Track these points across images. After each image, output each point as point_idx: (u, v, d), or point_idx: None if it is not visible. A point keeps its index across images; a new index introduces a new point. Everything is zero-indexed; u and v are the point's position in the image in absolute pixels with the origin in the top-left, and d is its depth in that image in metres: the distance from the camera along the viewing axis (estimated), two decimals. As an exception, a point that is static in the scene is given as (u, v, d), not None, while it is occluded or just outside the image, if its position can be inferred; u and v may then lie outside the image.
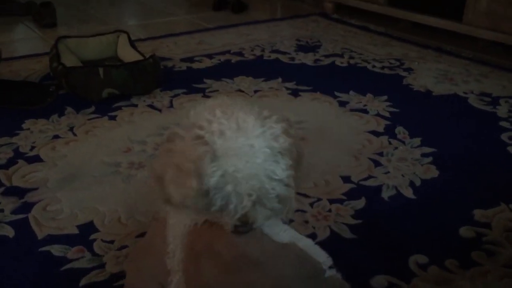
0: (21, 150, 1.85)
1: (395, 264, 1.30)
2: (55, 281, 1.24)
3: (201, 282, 0.92)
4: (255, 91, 2.46)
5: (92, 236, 1.39)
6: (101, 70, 2.21)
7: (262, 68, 2.77)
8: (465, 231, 1.44)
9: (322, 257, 0.99)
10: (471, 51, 2.99)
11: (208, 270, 0.91)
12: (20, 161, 1.77)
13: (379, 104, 2.31)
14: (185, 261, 0.95)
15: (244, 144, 0.81)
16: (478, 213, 1.52)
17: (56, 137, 1.96)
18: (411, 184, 1.67)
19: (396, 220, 1.50)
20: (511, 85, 2.52)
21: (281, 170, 0.83)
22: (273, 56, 2.98)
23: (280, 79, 2.59)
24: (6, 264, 1.30)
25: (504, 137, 2.02)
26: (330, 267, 0.98)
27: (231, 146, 0.81)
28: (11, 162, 1.76)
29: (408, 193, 1.62)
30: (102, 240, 1.38)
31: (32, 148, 1.86)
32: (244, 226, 0.87)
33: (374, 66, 2.79)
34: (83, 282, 1.23)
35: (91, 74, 2.21)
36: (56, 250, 1.34)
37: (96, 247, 1.35)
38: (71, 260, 1.30)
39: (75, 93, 2.28)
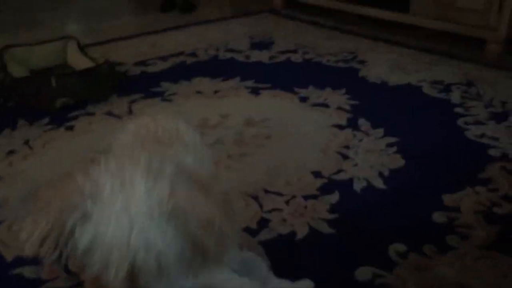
0: (-25, 169, 1.75)
1: (376, 254, 1.32)
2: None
3: None
4: (215, 92, 2.43)
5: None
6: (53, 79, 2.12)
7: (219, 68, 2.75)
8: (437, 216, 1.48)
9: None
10: (420, 40, 3.09)
11: None
12: (-24, 181, 1.67)
13: (339, 98, 2.34)
14: None
15: (121, 209, 0.71)
16: (446, 198, 1.56)
17: (11, 152, 1.86)
18: (380, 174, 1.70)
19: (371, 212, 1.52)
20: (460, 72, 2.61)
21: (163, 241, 0.71)
22: (228, 55, 2.96)
23: (238, 78, 2.58)
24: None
25: (460, 122, 2.09)
26: None
27: (106, 209, 0.72)
28: (-34, 183, 1.66)
29: (379, 183, 1.65)
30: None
31: (-13, 165, 1.77)
32: None
33: (328, 60, 2.82)
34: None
35: (42, 84, 2.12)
36: (28, 272, 1.27)
37: (72, 265, 1.29)
38: (46, 281, 1.24)
39: (26, 104, 2.18)
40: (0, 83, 2.27)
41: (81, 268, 0.74)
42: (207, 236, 0.74)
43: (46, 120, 2.11)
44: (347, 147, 1.90)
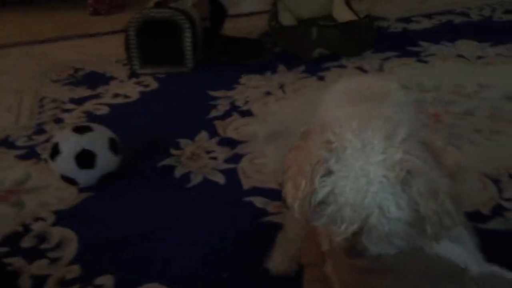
0: (236, 103, 2.00)
1: None
2: (255, 230, 1.32)
3: None
4: (478, 57, 2.21)
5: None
6: (314, 30, 2.23)
7: (491, 31, 2.48)
8: None
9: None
10: None
11: None
12: (235, 114, 1.91)
13: None
14: None
15: (360, 169, 0.72)
16: None
17: (268, 93, 2.06)
18: None
19: None
20: None
21: (396, 207, 0.71)
22: (506, 17, 2.63)
23: (510, 44, 2.28)
24: (214, 209, 1.43)
25: None
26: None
27: (347, 167, 0.72)
28: (227, 114, 1.92)
29: None
30: (300, 199, 1.41)
31: (246, 102, 2.00)
32: (353, 250, 0.77)
33: None
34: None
35: (304, 33, 2.25)
36: (258, 202, 1.42)
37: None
38: (271, 214, 1.37)
39: (289, 51, 2.35)
40: (271, 29, 2.50)
41: (310, 217, 0.78)
42: (428, 207, 0.71)
43: (302, 68, 2.25)
44: None
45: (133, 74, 2.31)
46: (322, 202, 0.74)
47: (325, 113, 1.10)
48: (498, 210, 1.31)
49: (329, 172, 0.74)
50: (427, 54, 2.29)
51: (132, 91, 2.18)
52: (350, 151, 0.74)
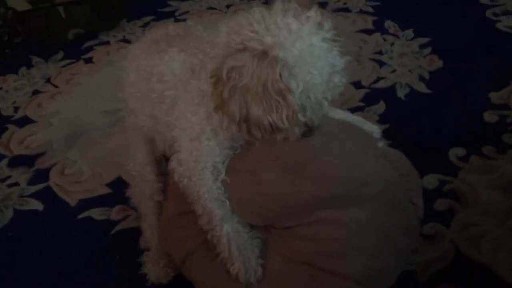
0: (4, 113, 1.68)
1: (437, 161, 1.32)
2: (110, 245, 1.18)
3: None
4: (227, 6, 2.31)
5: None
6: (61, 9, 1.99)
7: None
8: (488, 116, 1.47)
9: (372, 128, 1.02)
10: None
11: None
12: (10, 126, 1.61)
13: (358, 0, 2.24)
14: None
15: (308, 45, 0.75)
16: (493, 96, 1.55)
17: (36, 92, 1.79)
18: (421, 78, 1.67)
19: (421, 118, 1.51)
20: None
21: (339, 59, 0.79)
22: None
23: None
24: (48, 236, 1.22)
25: (489, 13, 2.02)
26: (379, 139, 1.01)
27: (301, 50, 0.75)
28: (0, 130, 1.60)
29: (422, 88, 1.63)
30: (140, 194, 1.30)
31: (16, 109, 1.70)
32: (311, 131, 0.84)
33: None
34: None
35: (51, 15, 1.99)
36: (96, 214, 1.26)
37: (137, 202, 1.28)
38: (117, 221, 1.23)
39: (35, 39, 2.06)
40: (2, 19, 2.13)
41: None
42: None
43: (61, 54, 2.01)
44: (379, 52, 1.84)
45: None
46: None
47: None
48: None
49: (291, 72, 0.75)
50: (181, 12, 2.29)
51: None
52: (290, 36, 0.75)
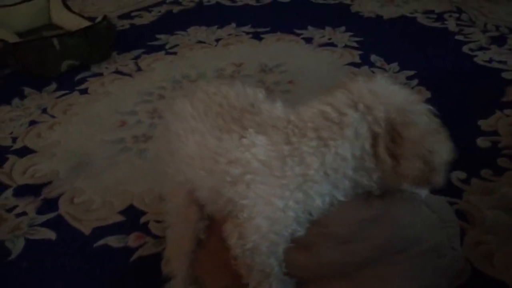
0: (1, 144, 1.66)
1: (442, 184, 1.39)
2: (130, 273, 1.17)
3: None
4: (216, 40, 2.37)
5: (143, 219, 1.31)
6: (55, 41, 1.99)
7: (209, 15, 2.67)
8: (481, 142, 1.56)
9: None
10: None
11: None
12: (11, 157, 1.59)
13: (342, 36, 2.35)
14: None
15: None
16: (482, 124, 1.65)
17: (33, 122, 1.77)
18: (413, 108, 1.75)
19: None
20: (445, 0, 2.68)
21: None
22: (213, 0, 2.86)
23: (234, 24, 2.52)
24: (65, 265, 1.19)
25: (465, 49, 2.16)
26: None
27: None
28: (0, 160, 1.57)
29: (415, 116, 1.71)
30: (155, 221, 1.30)
31: (15, 139, 1.67)
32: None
33: (315, -2, 2.80)
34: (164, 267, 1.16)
35: (45, 47, 1.99)
36: (113, 242, 1.25)
37: (153, 229, 1.28)
38: (135, 248, 1.22)
39: (26, 70, 2.04)
40: (-8, 50, 2.11)
41: None
42: None
43: (54, 86, 2.00)
44: (370, 84, 1.93)
45: None
46: None
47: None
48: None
49: None
50: (171, 45, 2.33)
51: None
52: None
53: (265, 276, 0.89)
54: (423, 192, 1.03)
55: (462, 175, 1.42)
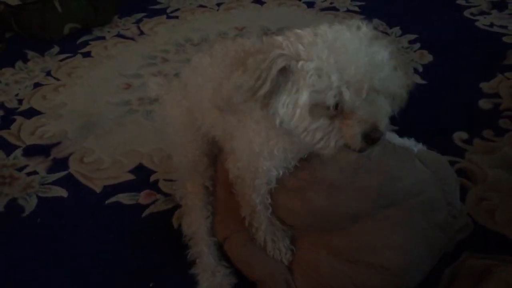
0: (8, 106, 1.66)
1: (444, 144, 1.42)
2: (143, 227, 1.19)
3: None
4: (218, 5, 2.36)
5: (153, 178, 1.34)
6: (57, 3, 1.98)
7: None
8: (483, 104, 1.59)
9: (407, 143, 1.09)
10: None
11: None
12: (18, 118, 1.60)
13: (344, 0, 2.34)
14: None
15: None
16: (484, 86, 1.67)
17: (37, 85, 1.77)
18: (415, 71, 1.78)
19: (422, 106, 1.59)
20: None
21: (380, 53, 0.80)
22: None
23: (235, -13, 2.50)
24: (79, 221, 1.22)
25: (467, 14, 2.17)
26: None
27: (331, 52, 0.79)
28: (7, 121, 1.58)
29: (417, 79, 1.73)
30: (164, 180, 1.33)
31: (20, 101, 1.68)
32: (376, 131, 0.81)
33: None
34: (175, 222, 1.19)
35: (47, 10, 1.97)
36: (124, 199, 1.27)
37: (162, 187, 1.30)
38: (146, 205, 1.25)
39: (28, 34, 2.03)
40: (-7, 13, 2.09)
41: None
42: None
43: (56, 49, 1.99)
44: (372, 48, 1.94)
45: None
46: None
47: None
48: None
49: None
50: (172, 9, 2.32)
51: None
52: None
53: (252, 211, 1.00)
54: (417, 147, 1.08)
55: (464, 135, 1.45)
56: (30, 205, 1.27)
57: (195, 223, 1.09)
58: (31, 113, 1.62)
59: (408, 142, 1.10)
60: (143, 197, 1.27)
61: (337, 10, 2.26)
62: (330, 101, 0.76)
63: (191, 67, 1.10)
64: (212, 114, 1.02)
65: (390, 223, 0.99)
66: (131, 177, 1.35)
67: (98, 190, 1.31)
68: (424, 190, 1.02)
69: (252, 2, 2.37)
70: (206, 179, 1.13)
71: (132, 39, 2.06)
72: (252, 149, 0.93)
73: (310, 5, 2.32)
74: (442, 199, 1.07)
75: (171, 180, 1.29)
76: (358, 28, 0.83)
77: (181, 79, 1.14)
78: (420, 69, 1.78)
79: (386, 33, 2.03)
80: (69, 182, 1.34)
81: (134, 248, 1.14)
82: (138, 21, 2.21)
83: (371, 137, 0.79)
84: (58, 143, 1.48)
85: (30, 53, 1.96)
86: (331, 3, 2.33)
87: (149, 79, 1.05)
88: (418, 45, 1.93)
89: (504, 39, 1.95)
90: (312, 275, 0.99)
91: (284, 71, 0.78)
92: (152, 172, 1.36)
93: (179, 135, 1.13)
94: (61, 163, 1.40)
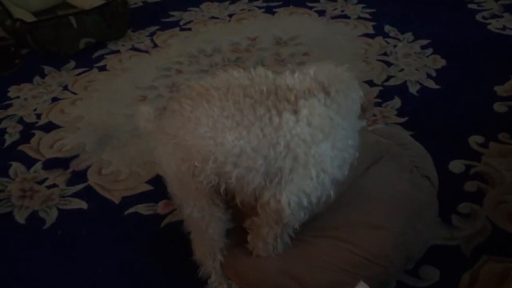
0: (27, 120, 1.69)
1: (460, 148, 1.42)
2: (162, 237, 1.21)
3: None
4: (229, 16, 2.39)
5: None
6: (73, 19, 2.02)
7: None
8: (498, 107, 1.58)
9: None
10: None
11: None
12: (37, 132, 1.63)
13: (354, 8, 2.36)
14: None
15: None
16: (498, 89, 1.67)
17: (55, 99, 1.80)
18: (429, 76, 1.78)
19: (436, 110, 1.61)
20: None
21: None
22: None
23: (245, -1, 2.53)
24: (99, 232, 1.24)
25: (479, 17, 2.17)
26: None
27: None
28: (26, 136, 1.61)
29: (431, 84, 1.73)
30: (181, 189, 1.34)
31: (39, 116, 1.71)
32: None
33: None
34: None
35: (62, 26, 2.01)
36: (142, 210, 1.29)
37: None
38: (165, 215, 1.27)
39: (44, 49, 2.07)
40: (9, 30, 2.13)
41: None
42: None
43: (72, 64, 2.03)
44: (384, 54, 1.95)
45: None
46: None
47: None
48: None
49: None
50: (185, 22, 2.34)
51: None
52: None
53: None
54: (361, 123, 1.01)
55: (480, 139, 1.45)
56: (50, 217, 1.29)
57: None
58: (50, 127, 1.65)
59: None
60: (161, 207, 1.29)
61: (348, 17, 2.27)
62: None
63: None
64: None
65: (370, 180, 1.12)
66: (148, 187, 1.36)
67: (116, 201, 1.33)
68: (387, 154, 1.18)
69: (264, 12, 2.40)
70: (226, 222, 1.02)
71: (146, 52, 2.09)
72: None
73: (321, 13, 2.34)
74: (409, 162, 1.17)
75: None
76: None
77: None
78: (434, 74, 1.79)
79: (398, 39, 2.04)
80: (88, 194, 1.36)
81: (154, 259, 1.15)
82: (152, 34, 2.24)
83: None
84: (76, 156, 1.50)
85: (47, 68, 2.00)
86: (342, 11, 2.34)
87: (137, 110, 0.91)
88: (430, 50, 1.94)
89: (517, 42, 1.95)
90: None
91: None
92: (169, 182, 1.37)
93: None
94: (80, 176, 1.42)
